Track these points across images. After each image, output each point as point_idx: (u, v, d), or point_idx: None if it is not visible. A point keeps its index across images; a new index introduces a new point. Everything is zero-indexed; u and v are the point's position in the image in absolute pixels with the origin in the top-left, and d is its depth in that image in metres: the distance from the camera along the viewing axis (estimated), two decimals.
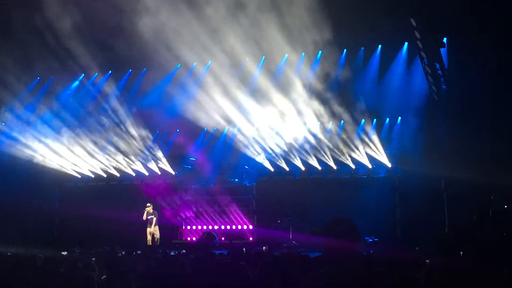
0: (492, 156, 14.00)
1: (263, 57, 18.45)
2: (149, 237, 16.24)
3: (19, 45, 17.58)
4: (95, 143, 19.85)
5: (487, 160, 13.78)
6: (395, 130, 17.46)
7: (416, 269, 4.92)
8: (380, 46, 17.90)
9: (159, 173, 19.51)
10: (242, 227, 17.68)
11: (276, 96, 18.03)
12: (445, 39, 14.22)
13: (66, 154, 19.69)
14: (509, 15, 13.68)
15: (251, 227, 17.59)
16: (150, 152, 19.78)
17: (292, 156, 18.18)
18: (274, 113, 18.26)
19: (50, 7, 16.38)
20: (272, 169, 18.27)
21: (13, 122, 19.82)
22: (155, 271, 6.05)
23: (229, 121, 19.00)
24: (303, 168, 18.01)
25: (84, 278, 5.27)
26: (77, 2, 16.46)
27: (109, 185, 19.60)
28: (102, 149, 19.92)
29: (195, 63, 19.19)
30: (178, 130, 20.17)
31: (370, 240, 14.28)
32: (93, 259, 7.63)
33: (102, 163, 19.87)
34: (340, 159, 17.56)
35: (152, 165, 19.63)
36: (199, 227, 18.12)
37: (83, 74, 20.37)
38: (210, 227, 17.91)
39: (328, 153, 17.71)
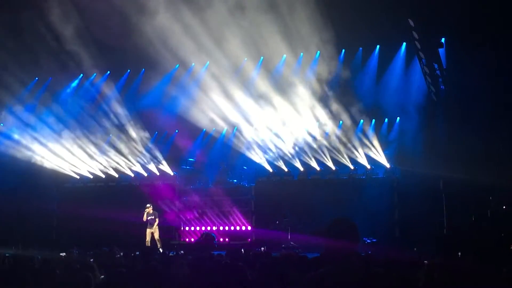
0: (490, 157, 14.02)
1: (262, 57, 18.45)
2: (148, 238, 16.21)
3: (18, 45, 17.56)
4: (94, 144, 19.83)
5: (485, 161, 13.80)
6: (393, 130, 17.47)
7: (414, 270, 4.93)
8: (378, 46, 17.91)
9: (158, 173, 19.49)
10: (241, 227, 17.67)
11: (274, 96, 18.04)
12: (443, 39, 14.23)
13: (65, 155, 19.67)
14: (506, 15, 13.70)
15: (249, 227, 17.57)
16: (149, 153, 19.77)
17: (291, 157, 18.17)
18: (273, 113, 18.26)
19: (49, 8, 16.39)
20: (271, 170, 18.26)
21: (12, 123, 19.81)
22: (153, 272, 6.04)
23: (228, 122, 19.00)
24: (301, 169, 18.00)
25: (82, 279, 5.26)
26: (76, 3, 16.45)
27: (108, 186, 19.57)
28: (101, 149, 19.91)
29: (193, 64, 19.20)
30: (177, 131, 20.17)
31: (368, 240, 14.30)
32: (91, 260, 7.61)
33: (101, 164, 19.86)
34: (339, 159, 17.55)
35: (151, 166, 19.61)
36: (198, 228, 18.10)
37: (81, 75, 20.38)
38: (209, 227, 17.89)
39: (327, 154, 17.70)
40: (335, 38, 16.16)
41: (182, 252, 11.58)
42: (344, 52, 17.96)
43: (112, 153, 19.82)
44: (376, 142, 17.16)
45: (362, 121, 17.57)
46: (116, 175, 19.81)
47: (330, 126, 17.96)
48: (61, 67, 18.49)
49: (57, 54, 17.70)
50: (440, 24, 13.86)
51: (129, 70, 20.55)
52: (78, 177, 19.89)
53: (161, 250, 13.73)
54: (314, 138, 18.07)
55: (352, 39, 17.13)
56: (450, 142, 14.93)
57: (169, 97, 19.38)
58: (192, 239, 17.93)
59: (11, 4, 16.93)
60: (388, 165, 16.87)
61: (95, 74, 20.01)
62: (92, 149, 19.80)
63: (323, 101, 17.71)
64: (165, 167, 19.54)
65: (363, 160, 17.18)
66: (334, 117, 17.76)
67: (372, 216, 14.81)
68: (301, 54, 18.05)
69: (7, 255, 8.91)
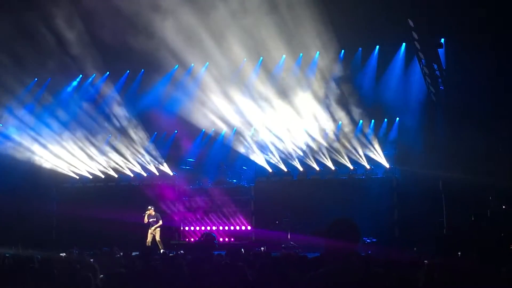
0: (490, 157, 14.02)
1: (261, 57, 18.46)
2: (149, 239, 16.18)
3: (18, 45, 17.55)
4: (93, 144, 19.83)
5: (485, 161, 13.80)
6: (393, 131, 17.48)
7: (414, 270, 4.93)
8: (378, 46, 17.92)
9: (157, 174, 19.48)
10: (241, 227, 17.67)
11: (274, 96, 18.04)
12: (442, 40, 14.25)
13: (64, 155, 19.67)
14: (506, 16, 13.71)
15: (249, 227, 17.57)
16: (148, 153, 19.76)
17: (290, 157, 18.17)
18: (272, 113, 18.26)
19: (49, 9, 16.39)
20: (270, 170, 18.25)
21: (11, 123, 19.80)
22: (153, 272, 6.04)
23: (227, 122, 19.00)
24: (301, 169, 17.99)
25: (82, 279, 5.26)
26: (75, 3, 16.45)
27: (107, 186, 19.54)
28: (100, 150, 19.90)
29: (193, 64, 19.21)
30: (176, 131, 20.17)
31: (368, 240, 14.29)
32: (91, 260, 7.61)
33: (100, 164, 19.85)
34: (338, 159, 17.54)
35: (151, 166, 19.61)
36: (198, 228, 18.10)
37: (81, 75, 20.37)
38: (209, 228, 17.89)
39: (326, 154, 17.70)
40: (334, 38, 16.17)
41: (182, 252, 11.58)
42: (344, 52, 17.97)
43: (112, 153, 19.81)
44: (375, 142, 17.16)
45: (361, 121, 17.57)
46: (116, 175, 19.81)
47: (329, 126, 17.97)
48: (60, 67, 18.49)
49: (56, 55, 17.70)
50: (439, 24, 13.88)
51: (128, 71, 20.55)
52: (77, 177, 19.88)
53: (162, 251, 13.72)
54: (314, 138, 18.07)
55: (351, 40, 17.13)
56: (450, 142, 14.93)
57: (168, 97, 19.39)
58: (192, 239, 17.93)
59: (11, 5, 16.94)
60: (387, 165, 16.87)
61: (94, 74, 20.02)
62: (91, 149, 19.79)
63: (323, 101, 17.71)
64: (165, 167, 19.54)
65: (362, 160, 17.17)
66: (334, 117, 17.77)
67: (372, 216, 14.82)
68: (301, 54, 18.06)
69: (7, 255, 8.90)
